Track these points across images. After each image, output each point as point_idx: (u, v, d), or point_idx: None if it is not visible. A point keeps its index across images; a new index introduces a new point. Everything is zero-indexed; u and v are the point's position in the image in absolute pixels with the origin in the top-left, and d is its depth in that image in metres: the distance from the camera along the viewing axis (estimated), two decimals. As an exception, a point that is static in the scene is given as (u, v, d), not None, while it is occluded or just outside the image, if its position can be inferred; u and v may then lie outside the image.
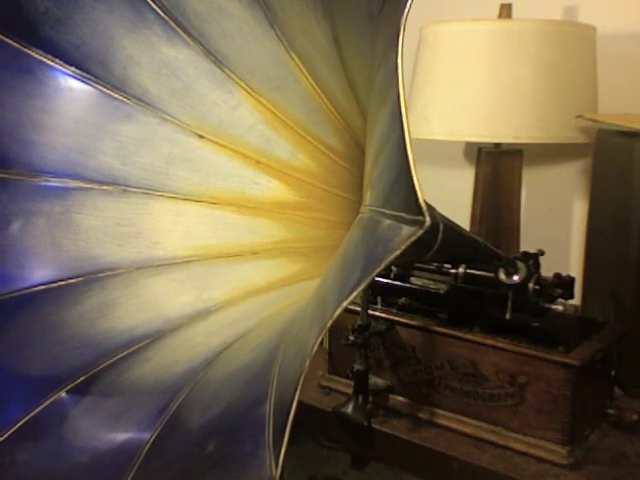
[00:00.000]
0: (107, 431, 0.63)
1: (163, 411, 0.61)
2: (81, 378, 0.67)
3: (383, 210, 0.48)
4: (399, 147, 0.45)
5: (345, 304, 0.44)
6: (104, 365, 0.68)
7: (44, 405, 0.65)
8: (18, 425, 0.63)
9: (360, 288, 0.44)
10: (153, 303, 0.73)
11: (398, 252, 0.43)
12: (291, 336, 0.56)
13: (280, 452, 0.45)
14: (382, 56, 0.51)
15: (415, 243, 0.43)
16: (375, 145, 0.54)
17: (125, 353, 0.69)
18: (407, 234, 0.43)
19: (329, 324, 0.45)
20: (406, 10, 0.47)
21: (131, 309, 0.72)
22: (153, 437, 0.60)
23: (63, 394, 0.66)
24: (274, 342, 0.59)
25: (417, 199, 0.43)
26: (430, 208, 0.69)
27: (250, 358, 0.62)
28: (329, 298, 0.48)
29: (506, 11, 1.05)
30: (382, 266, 0.43)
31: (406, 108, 0.46)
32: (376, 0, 0.53)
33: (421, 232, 0.42)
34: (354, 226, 0.54)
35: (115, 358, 0.69)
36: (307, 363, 0.45)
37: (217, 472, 0.53)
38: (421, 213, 0.43)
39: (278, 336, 0.60)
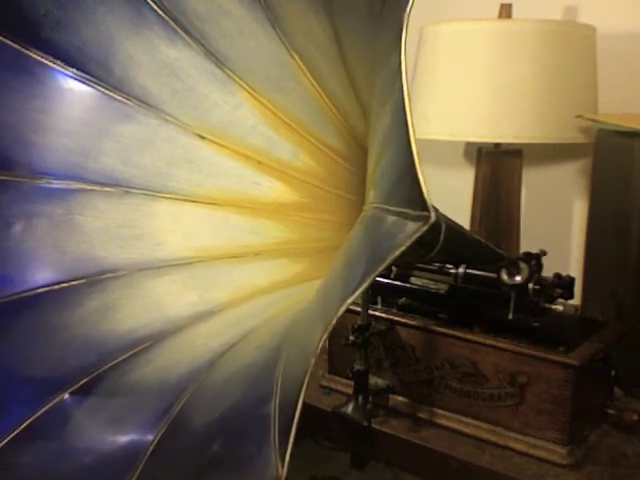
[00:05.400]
0: (110, 433, 0.63)
1: (166, 412, 0.61)
2: (84, 380, 0.67)
3: (387, 207, 0.47)
4: (403, 144, 0.44)
5: (349, 301, 0.43)
6: (107, 367, 0.68)
7: (47, 407, 0.65)
8: (22, 427, 0.63)
9: (364, 285, 0.43)
10: (155, 304, 0.73)
11: (403, 248, 0.41)
12: (294, 335, 0.56)
13: (286, 451, 0.45)
14: (384, 56, 0.50)
15: (418, 242, 0.42)
16: (378, 145, 0.53)
17: (128, 355, 0.69)
18: (412, 230, 0.41)
19: (334, 322, 0.44)
20: (408, 9, 0.46)
21: (133, 310, 0.72)
22: (157, 438, 0.60)
23: (66, 396, 0.66)
24: (277, 342, 0.58)
25: (422, 194, 0.41)
26: (433, 208, 0.69)
27: (253, 358, 0.62)
28: (332, 297, 0.48)
29: (506, 11, 1.05)
30: (387, 263, 0.42)
31: (410, 104, 0.44)
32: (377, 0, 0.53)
33: (426, 228, 0.41)
34: (357, 224, 0.53)
35: (118, 360, 0.69)
36: (312, 362, 0.45)
37: (222, 472, 0.53)
38: (426, 208, 0.41)
39: (281, 336, 0.59)
